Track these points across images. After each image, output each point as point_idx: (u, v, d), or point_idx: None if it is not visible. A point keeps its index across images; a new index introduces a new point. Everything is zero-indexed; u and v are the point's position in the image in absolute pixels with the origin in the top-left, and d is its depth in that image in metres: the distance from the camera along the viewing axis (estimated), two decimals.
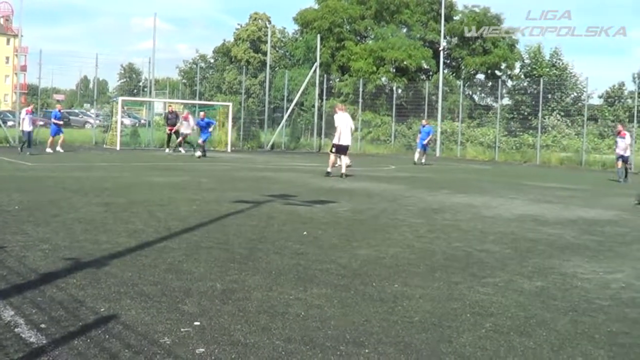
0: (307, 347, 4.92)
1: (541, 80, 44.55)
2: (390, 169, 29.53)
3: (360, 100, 49.51)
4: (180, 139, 35.29)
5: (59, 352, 4.60)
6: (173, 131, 35.56)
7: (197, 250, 8.40)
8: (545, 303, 6.52)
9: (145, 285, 6.51)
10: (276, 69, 57.42)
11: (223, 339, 5.02)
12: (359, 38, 56.90)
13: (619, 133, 27.85)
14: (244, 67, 58.82)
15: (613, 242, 10.68)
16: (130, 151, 36.33)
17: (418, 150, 34.76)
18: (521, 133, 45.81)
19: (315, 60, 47.74)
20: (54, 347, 4.69)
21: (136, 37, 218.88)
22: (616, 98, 50.83)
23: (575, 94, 48.62)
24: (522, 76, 52.91)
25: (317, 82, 47.97)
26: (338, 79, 54.99)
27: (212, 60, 79.20)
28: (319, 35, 49.26)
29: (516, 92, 51.02)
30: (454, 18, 55.89)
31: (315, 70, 47.45)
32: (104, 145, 39.61)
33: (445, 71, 52.75)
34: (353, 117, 36.98)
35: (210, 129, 33.93)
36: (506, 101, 51.48)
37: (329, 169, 22.31)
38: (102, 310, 5.63)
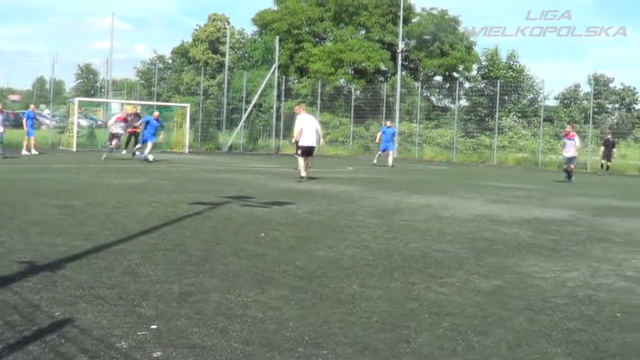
0: (265, 349, 4.90)
1: (498, 82, 45.05)
2: (348, 170, 29.59)
3: (319, 101, 49.60)
4: (116, 141, 34.53)
5: (14, 357, 4.52)
6: (133, 133, 35.15)
7: (154, 252, 8.33)
8: (502, 302, 6.57)
9: (102, 288, 6.44)
10: (234, 70, 57.24)
11: (180, 342, 4.98)
12: (317, 40, 56.96)
13: (567, 134, 27.47)
14: (202, 68, 58.63)
15: (569, 241, 10.79)
16: (87, 153, 35.99)
17: (390, 152, 33.75)
18: (478, 134, 46.26)
19: (274, 62, 47.75)
20: (9, 352, 4.61)
21: (93, 37, 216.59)
22: (572, 99, 51.54)
23: (532, 96, 49.25)
24: (479, 78, 53.34)
25: (276, 83, 48.02)
26: (296, 81, 55.04)
27: (170, 61, 78.75)
28: (277, 37, 49.27)
29: (473, 93, 51.51)
30: (412, 20, 56.18)
31: (273, 72, 47.47)
32: (60, 147, 39.22)
33: (403, 73, 53.03)
34: None
35: (160, 134, 31.81)
36: (463, 103, 52.03)
37: (302, 173, 21.32)
38: (57, 314, 5.56)
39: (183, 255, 8.25)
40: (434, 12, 55.24)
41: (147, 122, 30.07)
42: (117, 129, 30.02)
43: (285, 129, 48.84)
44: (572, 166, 26.61)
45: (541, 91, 47.24)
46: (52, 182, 17.77)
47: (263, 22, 56.46)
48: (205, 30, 70.86)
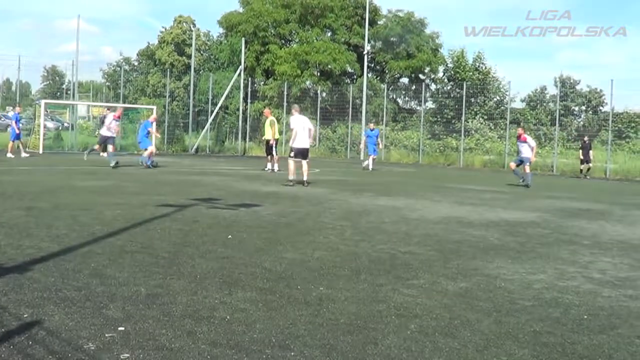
0: (232, 350, 4.91)
1: (464, 84, 45.27)
2: (315, 172, 29.58)
3: (285, 103, 49.51)
4: (112, 146, 34.14)
5: None
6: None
7: (121, 254, 8.29)
8: (469, 304, 6.61)
9: (69, 290, 6.41)
10: (201, 72, 57.14)
11: (148, 343, 4.97)
12: (283, 42, 56.87)
13: (519, 137, 26.24)
14: (169, 70, 58.51)
15: (535, 243, 10.88)
16: (53, 155, 35.73)
17: (371, 156, 33.25)
18: (445, 136, 46.47)
19: (240, 64, 47.74)
20: None
21: (59, 39, 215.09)
22: (538, 102, 51.80)
23: (498, 98, 49.41)
24: (446, 80, 53.52)
25: (242, 85, 48.00)
26: (263, 82, 54.95)
27: (136, 63, 78.49)
28: (243, 39, 49.27)
29: (440, 95, 51.64)
30: (379, 22, 56.31)
31: (239, 74, 47.44)
32: (27, 149, 38.89)
33: (370, 75, 53.15)
34: (278, 120, 36.99)
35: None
36: (430, 105, 52.18)
37: (290, 177, 20.87)
38: (25, 316, 5.53)
39: (150, 257, 8.22)
40: (400, 14, 55.38)
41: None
42: (112, 132, 28.88)
43: (251, 130, 48.85)
44: (526, 168, 25.70)
45: (507, 93, 47.48)
46: (18, 184, 17.61)
47: (229, 24, 56.25)
48: (172, 33, 70.59)
